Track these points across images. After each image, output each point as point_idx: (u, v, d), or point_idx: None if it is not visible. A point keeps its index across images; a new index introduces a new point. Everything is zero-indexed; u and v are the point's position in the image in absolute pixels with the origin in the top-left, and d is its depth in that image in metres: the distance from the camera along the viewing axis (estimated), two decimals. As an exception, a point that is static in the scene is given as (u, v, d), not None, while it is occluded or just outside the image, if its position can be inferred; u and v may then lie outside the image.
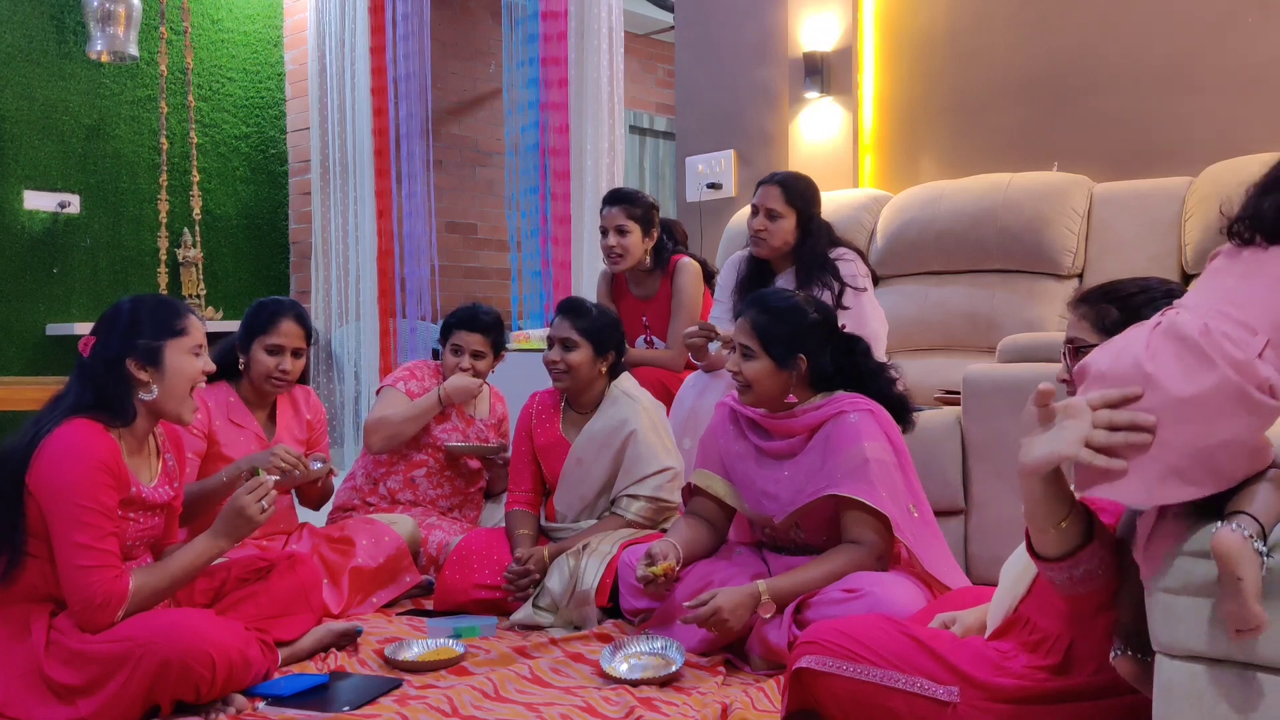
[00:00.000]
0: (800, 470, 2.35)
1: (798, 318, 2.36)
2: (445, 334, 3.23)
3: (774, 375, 2.35)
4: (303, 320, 2.80)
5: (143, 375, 2.06)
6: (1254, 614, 1.23)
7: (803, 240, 3.10)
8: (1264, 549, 1.25)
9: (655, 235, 3.45)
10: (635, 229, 3.39)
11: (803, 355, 2.34)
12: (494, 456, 3.21)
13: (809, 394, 2.39)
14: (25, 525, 1.95)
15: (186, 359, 2.10)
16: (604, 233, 3.43)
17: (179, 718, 1.97)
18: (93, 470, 1.94)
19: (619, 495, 2.79)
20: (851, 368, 2.41)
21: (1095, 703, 1.56)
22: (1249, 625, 1.25)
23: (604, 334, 2.82)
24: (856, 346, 2.44)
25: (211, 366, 2.18)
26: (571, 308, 2.86)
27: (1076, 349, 1.69)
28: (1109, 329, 1.64)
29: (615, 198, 3.44)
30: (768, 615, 2.19)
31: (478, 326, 3.18)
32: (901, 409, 2.42)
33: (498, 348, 3.23)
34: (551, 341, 2.84)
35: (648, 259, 3.46)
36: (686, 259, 3.48)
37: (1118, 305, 1.67)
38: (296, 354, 2.79)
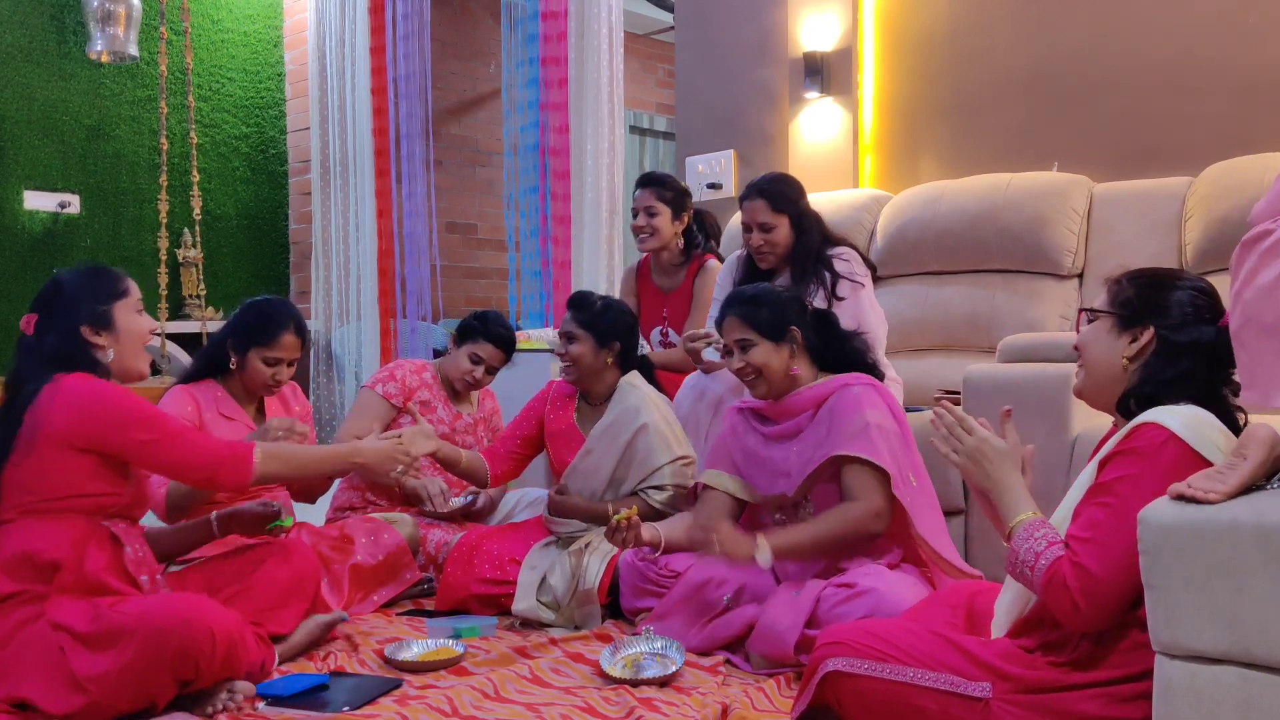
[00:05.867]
0: (808, 444, 2.41)
1: (773, 295, 2.50)
2: (467, 336, 3.23)
3: (776, 352, 2.43)
4: (301, 330, 2.78)
5: (98, 340, 2.12)
6: (1229, 486, 1.38)
7: (797, 238, 3.10)
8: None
9: (686, 220, 3.51)
10: (665, 210, 3.45)
11: (793, 326, 2.44)
12: (469, 509, 3.15)
13: (812, 372, 2.48)
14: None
15: (135, 318, 2.18)
16: (634, 214, 3.50)
17: (181, 713, 1.97)
18: (126, 392, 2.08)
19: (643, 488, 2.80)
20: (833, 340, 2.52)
21: (1128, 685, 1.55)
22: (1214, 492, 1.38)
23: (605, 325, 2.85)
24: (830, 318, 2.56)
25: (155, 324, 2.25)
26: (575, 302, 2.92)
27: (1086, 314, 1.79)
28: (1119, 301, 1.75)
29: (646, 180, 3.51)
30: (764, 560, 2.23)
31: (504, 346, 3.22)
32: (874, 376, 2.52)
33: (506, 364, 3.29)
34: (559, 337, 2.90)
35: (678, 244, 3.51)
36: (714, 261, 3.52)
37: (1137, 284, 1.75)
38: (291, 363, 2.77)
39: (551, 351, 3.93)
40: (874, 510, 2.26)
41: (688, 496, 2.73)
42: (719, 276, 3.40)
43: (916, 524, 2.28)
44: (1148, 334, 1.69)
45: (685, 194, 3.53)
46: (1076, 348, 1.81)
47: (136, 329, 2.17)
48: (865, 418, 2.32)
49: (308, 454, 2.34)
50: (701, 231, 3.59)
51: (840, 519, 2.27)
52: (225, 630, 1.95)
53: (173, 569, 2.39)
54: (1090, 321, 1.78)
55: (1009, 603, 1.76)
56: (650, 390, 2.92)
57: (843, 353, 2.51)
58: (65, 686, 1.88)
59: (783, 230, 3.08)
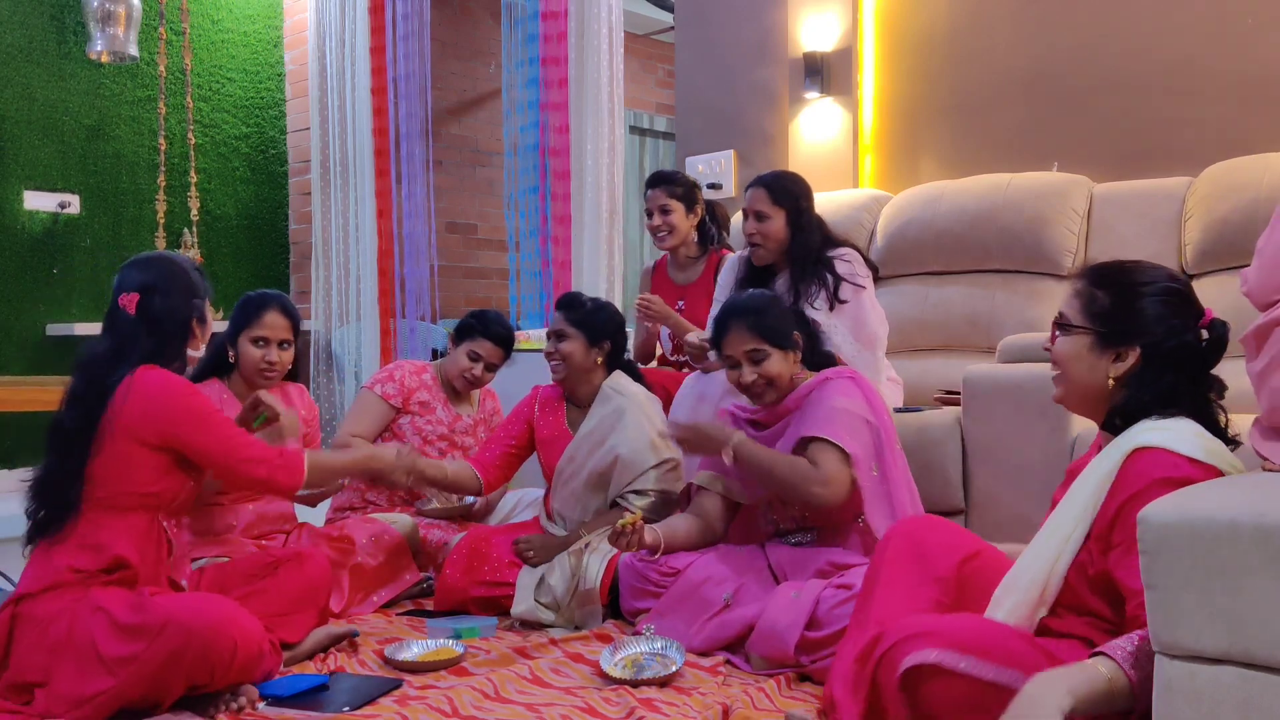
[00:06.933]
0: (789, 439, 2.46)
1: (774, 303, 2.55)
2: (465, 335, 3.22)
3: (785, 361, 2.48)
4: (288, 311, 2.75)
5: (199, 332, 2.23)
6: None
7: (794, 236, 3.09)
8: None
9: (699, 213, 3.56)
10: (678, 206, 3.49)
11: (797, 332, 2.50)
12: (469, 509, 3.17)
13: (803, 374, 2.54)
14: (88, 474, 2.01)
15: (210, 313, 2.28)
16: (649, 215, 3.54)
17: (183, 712, 1.97)
18: (199, 392, 2.16)
19: (624, 493, 2.79)
20: (810, 338, 2.59)
21: None
22: None
23: (597, 324, 2.86)
24: (805, 317, 2.66)
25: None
26: (564, 302, 2.93)
27: (1059, 326, 1.70)
28: (1096, 314, 1.66)
29: (656, 179, 3.55)
30: (727, 456, 2.39)
31: (503, 344, 3.22)
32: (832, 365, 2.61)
33: (505, 361, 3.29)
34: (548, 337, 2.90)
35: (694, 237, 3.56)
36: (731, 254, 3.53)
37: (1111, 292, 1.67)
38: (283, 345, 2.73)
39: (550, 352, 3.93)
40: (822, 477, 2.34)
41: (681, 498, 2.73)
42: (720, 277, 3.40)
43: (866, 511, 2.36)
44: (1134, 354, 1.64)
45: (695, 187, 3.57)
46: (1048, 350, 1.74)
47: (211, 326, 2.29)
48: (834, 404, 2.40)
49: (339, 461, 2.51)
50: (714, 223, 3.64)
51: (794, 466, 2.37)
52: (247, 644, 1.97)
53: (194, 564, 2.41)
54: (1064, 333, 1.70)
55: (1016, 618, 1.65)
56: (637, 390, 2.90)
57: (816, 351, 2.59)
58: (91, 667, 1.90)
59: (777, 223, 3.07)
